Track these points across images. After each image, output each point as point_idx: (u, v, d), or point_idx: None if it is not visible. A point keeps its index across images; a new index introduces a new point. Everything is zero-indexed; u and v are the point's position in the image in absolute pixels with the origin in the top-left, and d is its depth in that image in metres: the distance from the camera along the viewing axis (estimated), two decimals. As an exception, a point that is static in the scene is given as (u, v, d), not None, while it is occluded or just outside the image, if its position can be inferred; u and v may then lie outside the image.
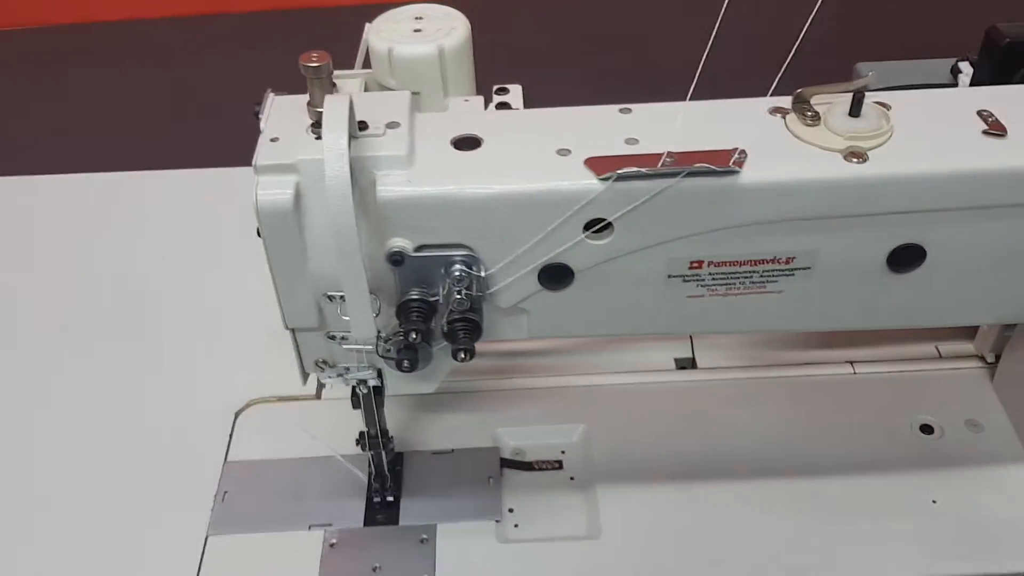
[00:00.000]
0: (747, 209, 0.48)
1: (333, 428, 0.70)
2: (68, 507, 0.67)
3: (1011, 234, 0.50)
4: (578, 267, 0.50)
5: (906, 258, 0.50)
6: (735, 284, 0.51)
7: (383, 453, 0.64)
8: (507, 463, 0.69)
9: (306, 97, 0.51)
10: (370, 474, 0.66)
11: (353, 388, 0.59)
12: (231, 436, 0.71)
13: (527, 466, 0.69)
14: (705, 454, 0.68)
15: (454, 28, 0.63)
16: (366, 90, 0.60)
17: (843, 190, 0.47)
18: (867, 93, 0.50)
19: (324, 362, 0.56)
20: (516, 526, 0.65)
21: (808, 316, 0.54)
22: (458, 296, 0.49)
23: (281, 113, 0.51)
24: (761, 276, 0.51)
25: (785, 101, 0.51)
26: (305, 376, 0.57)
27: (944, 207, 0.48)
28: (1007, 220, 0.50)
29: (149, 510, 0.66)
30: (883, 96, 0.52)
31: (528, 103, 0.65)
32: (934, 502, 0.65)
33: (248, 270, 0.84)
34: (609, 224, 0.48)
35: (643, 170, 0.46)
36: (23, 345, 0.80)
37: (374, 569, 0.62)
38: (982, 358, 0.75)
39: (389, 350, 0.52)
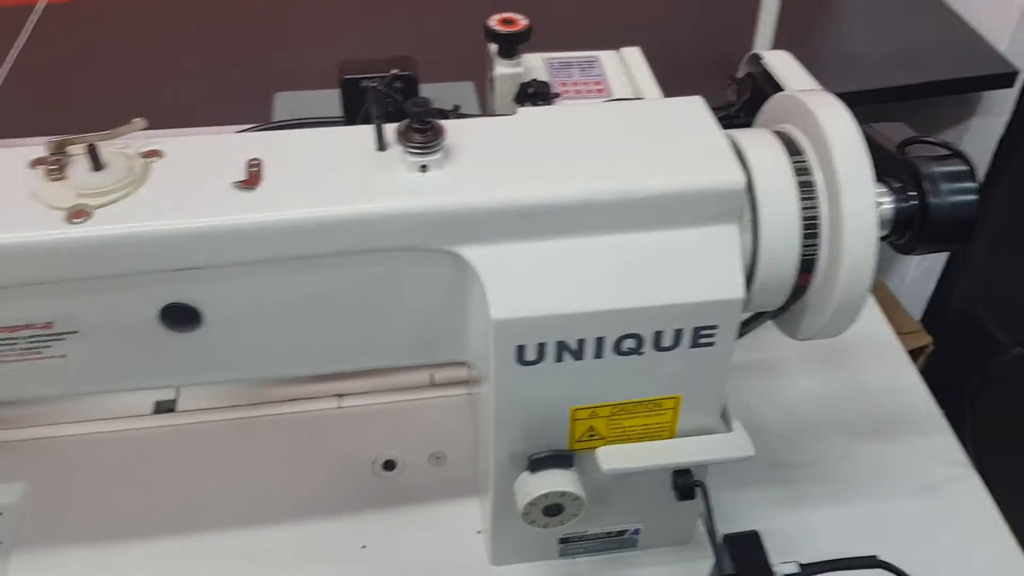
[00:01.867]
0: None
1: None
2: None
3: (283, 288, 0.48)
4: None
5: (181, 317, 0.48)
6: (4, 352, 0.47)
7: None
8: (-73, 531, 0.64)
9: None
10: None
11: None
12: None
13: (-49, 534, 0.64)
14: (157, 506, 0.65)
15: None
16: None
17: (62, 252, 0.44)
18: (145, 139, 0.47)
19: None
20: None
21: (102, 376, 0.51)
22: None
23: None
24: (28, 342, 0.47)
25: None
26: None
27: (189, 265, 0.46)
28: (274, 275, 0.48)
29: None
30: (166, 143, 0.49)
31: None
32: (364, 547, 0.63)
33: None
34: None
35: None
36: None
37: None
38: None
39: None
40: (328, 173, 0.47)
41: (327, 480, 0.67)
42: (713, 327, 0.49)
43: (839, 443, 0.71)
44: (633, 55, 0.70)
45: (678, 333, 0.49)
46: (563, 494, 0.53)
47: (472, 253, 0.48)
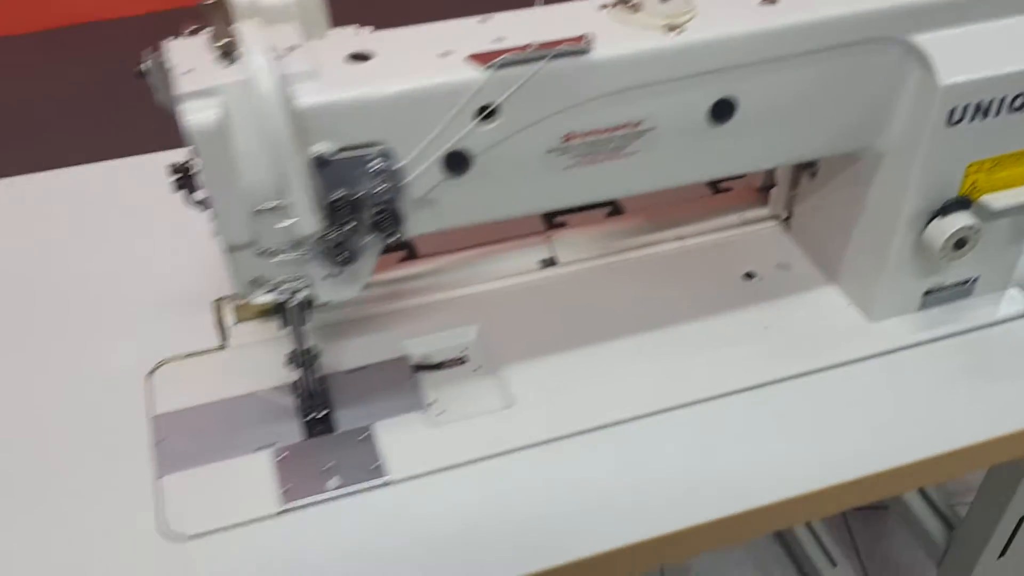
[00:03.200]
0: (599, 82, 0.60)
1: (245, 371, 0.76)
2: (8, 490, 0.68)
3: (798, 80, 0.65)
4: (474, 152, 0.60)
5: (722, 111, 0.64)
6: (599, 152, 0.63)
7: (312, 370, 0.71)
8: (417, 367, 0.77)
9: (199, 39, 0.57)
10: (300, 394, 0.73)
11: (281, 307, 0.65)
12: (149, 395, 0.75)
13: (436, 367, 0.78)
14: (581, 326, 0.80)
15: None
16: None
17: (669, 56, 0.60)
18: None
19: (257, 280, 0.62)
20: (440, 413, 0.73)
21: (656, 175, 0.66)
22: (378, 189, 0.57)
23: (183, 53, 0.57)
24: (619, 141, 0.63)
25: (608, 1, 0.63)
26: (242, 298, 0.63)
27: (742, 63, 0.62)
28: (792, 70, 0.65)
29: (90, 471, 0.69)
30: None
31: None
32: (766, 328, 0.80)
33: (122, 249, 0.89)
34: (494, 111, 0.58)
35: (518, 56, 0.56)
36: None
37: (327, 470, 0.69)
38: (777, 217, 0.91)
39: (323, 251, 0.59)
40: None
41: (706, 292, 0.84)
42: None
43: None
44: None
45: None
46: (970, 227, 0.71)
47: (920, 39, 0.66)
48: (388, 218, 0.58)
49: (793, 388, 0.75)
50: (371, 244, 0.60)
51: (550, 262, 0.87)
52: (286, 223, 0.57)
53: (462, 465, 0.69)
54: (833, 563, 1.43)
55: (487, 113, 0.58)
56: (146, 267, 0.87)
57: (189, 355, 0.78)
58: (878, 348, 0.77)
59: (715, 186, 0.96)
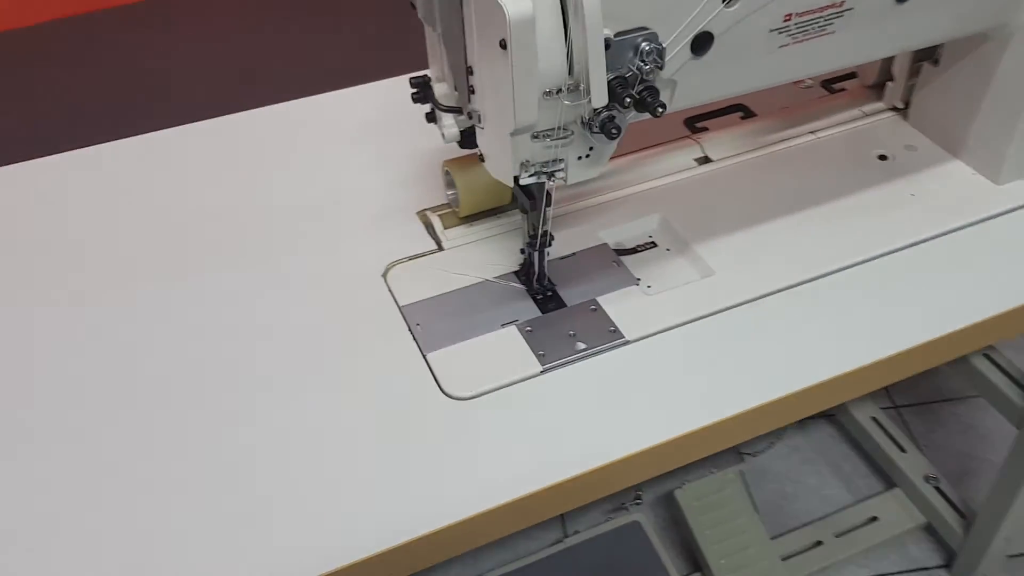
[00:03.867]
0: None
1: (467, 265, 0.85)
2: (290, 366, 0.76)
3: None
4: (717, 32, 0.69)
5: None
6: (810, 30, 0.73)
7: (547, 252, 0.80)
8: (617, 252, 0.87)
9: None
10: (531, 276, 0.82)
11: (526, 191, 0.75)
12: (390, 291, 0.83)
13: (631, 251, 0.87)
14: (747, 208, 0.90)
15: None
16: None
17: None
18: None
19: (526, 162, 0.71)
20: (649, 286, 0.83)
21: (854, 51, 0.77)
22: (645, 68, 0.66)
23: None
24: (825, 20, 0.73)
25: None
26: (515, 178, 0.71)
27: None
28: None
29: (363, 355, 0.78)
30: None
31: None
32: (912, 195, 0.91)
33: (339, 175, 0.97)
34: (735, -4, 0.68)
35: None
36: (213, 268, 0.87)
37: (571, 335, 0.78)
38: (894, 108, 1.02)
39: (599, 126, 0.68)
40: None
41: (850, 172, 0.94)
42: None
43: None
44: None
45: None
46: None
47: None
48: (651, 96, 0.67)
49: (946, 242, 0.86)
50: (624, 123, 0.69)
51: (705, 159, 0.97)
52: (577, 103, 0.65)
53: (685, 324, 0.79)
54: (902, 449, 1.57)
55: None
56: (357, 188, 0.95)
57: (412, 258, 0.86)
58: (1011, 204, 0.89)
59: (830, 88, 1.06)
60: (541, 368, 0.76)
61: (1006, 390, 1.23)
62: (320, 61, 2.39)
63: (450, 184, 0.89)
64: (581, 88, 0.66)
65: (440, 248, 0.88)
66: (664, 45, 0.67)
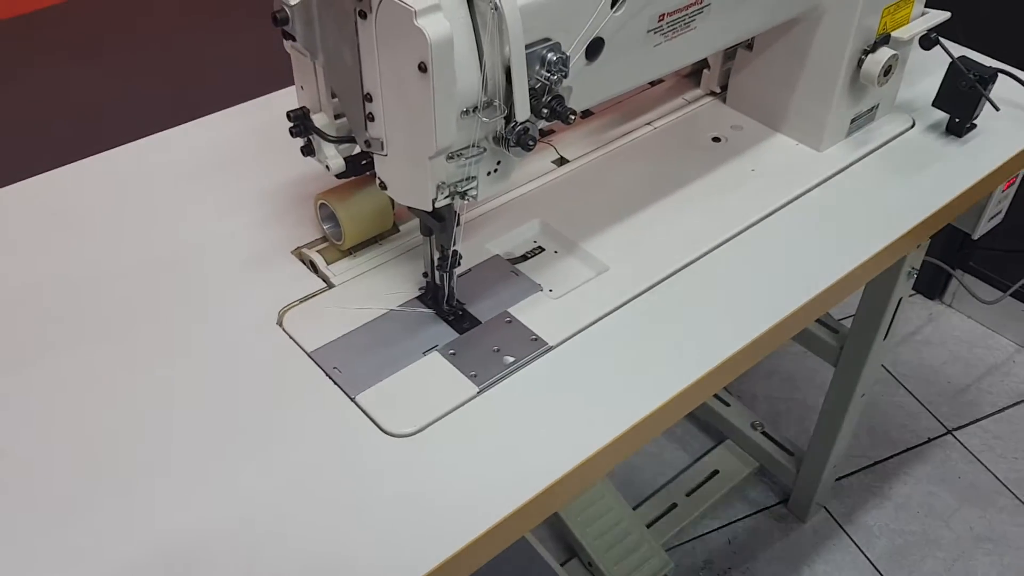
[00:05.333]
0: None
1: (364, 298, 0.82)
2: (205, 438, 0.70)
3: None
4: (607, 36, 0.71)
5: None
6: (678, 27, 0.77)
7: (453, 272, 0.78)
8: (510, 262, 0.87)
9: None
10: (439, 298, 0.80)
11: (434, 213, 0.73)
12: (292, 339, 0.78)
13: (523, 258, 0.88)
14: (613, 201, 0.94)
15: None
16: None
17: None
18: None
19: (442, 184, 0.69)
20: (551, 290, 0.84)
21: (710, 42, 0.82)
22: (555, 76, 0.67)
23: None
24: (690, 17, 0.77)
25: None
26: (432, 201, 0.69)
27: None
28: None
29: (288, 412, 0.72)
30: None
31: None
32: (752, 170, 0.99)
33: (194, 221, 0.89)
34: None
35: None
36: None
37: (496, 350, 0.77)
38: (712, 93, 1.11)
39: (515, 139, 0.67)
40: None
41: (691, 156, 1.01)
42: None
43: None
44: None
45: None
46: (894, 56, 0.94)
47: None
48: (559, 104, 0.68)
49: (791, 210, 0.95)
50: (536, 133, 0.70)
51: (562, 160, 1.00)
52: (493, 118, 0.65)
53: (599, 320, 0.81)
54: (725, 403, 1.70)
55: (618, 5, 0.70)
56: (217, 233, 0.88)
57: (303, 299, 0.82)
58: (834, 169, 1.00)
59: (651, 83, 1.13)
60: (477, 389, 0.74)
61: (823, 335, 1.37)
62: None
63: (328, 217, 0.85)
64: (495, 104, 0.66)
65: (330, 285, 0.83)
66: (568, 54, 0.68)
